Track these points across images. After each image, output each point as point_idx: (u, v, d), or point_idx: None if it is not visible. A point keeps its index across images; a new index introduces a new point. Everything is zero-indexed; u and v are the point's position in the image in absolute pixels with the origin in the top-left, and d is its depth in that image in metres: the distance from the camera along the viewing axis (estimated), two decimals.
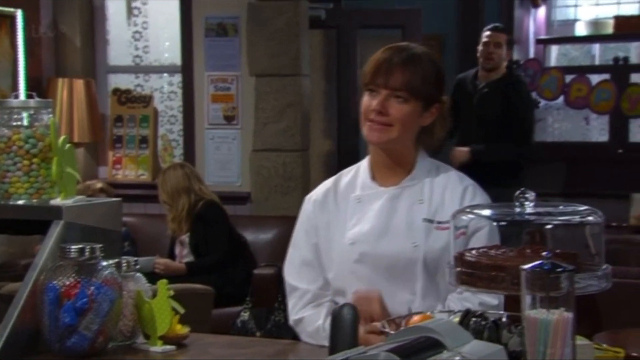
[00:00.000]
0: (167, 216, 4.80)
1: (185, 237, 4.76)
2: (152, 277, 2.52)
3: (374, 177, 2.11)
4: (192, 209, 4.71)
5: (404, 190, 2.07)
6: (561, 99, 6.23)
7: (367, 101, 2.04)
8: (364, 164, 2.15)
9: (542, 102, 6.44)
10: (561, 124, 6.74)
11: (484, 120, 5.10)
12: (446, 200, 2.05)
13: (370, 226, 2.05)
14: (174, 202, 4.73)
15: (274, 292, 4.34)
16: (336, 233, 2.09)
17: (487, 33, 5.21)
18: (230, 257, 4.73)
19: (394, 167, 2.09)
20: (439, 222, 2.03)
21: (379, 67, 2.01)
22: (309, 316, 2.09)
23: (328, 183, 2.17)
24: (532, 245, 1.66)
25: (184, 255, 4.78)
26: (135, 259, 2.00)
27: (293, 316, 2.12)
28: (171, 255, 4.84)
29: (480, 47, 5.21)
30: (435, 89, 2.05)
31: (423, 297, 2.01)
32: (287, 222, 4.06)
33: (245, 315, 4.44)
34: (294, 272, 2.13)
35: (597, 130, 6.62)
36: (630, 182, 5.98)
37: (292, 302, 2.13)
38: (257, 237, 5.02)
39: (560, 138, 6.73)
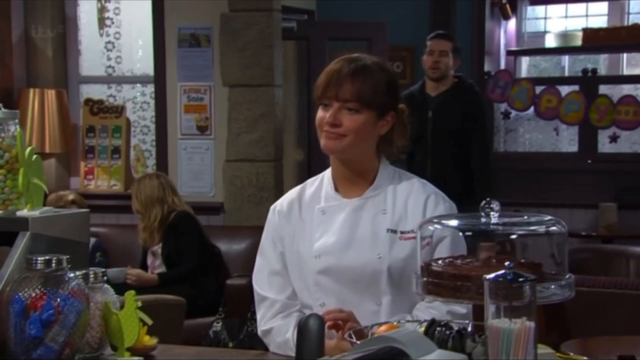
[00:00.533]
0: (138, 225, 4.78)
1: (158, 248, 4.75)
2: (124, 288, 2.50)
3: (337, 189, 2.11)
4: (164, 220, 4.70)
5: (367, 201, 2.08)
6: (531, 109, 6.30)
7: (321, 114, 2.05)
8: (327, 175, 2.15)
9: (513, 113, 6.50)
10: (532, 134, 6.82)
11: (442, 133, 4.85)
12: (409, 210, 2.06)
13: (335, 239, 2.06)
14: (147, 211, 4.71)
15: (247, 302, 4.33)
16: (301, 245, 2.10)
17: (431, 42, 4.96)
18: (202, 268, 4.72)
19: (356, 178, 2.10)
20: (402, 232, 2.04)
21: (329, 80, 2.03)
22: (277, 327, 2.10)
23: (293, 193, 2.17)
24: (498, 255, 1.68)
25: (156, 266, 4.77)
26: (105, 270, 1.99)
27: (262, 327, 2.13)
28: (143, 266, 4.82)
29: (424, 57, 4.96)
30: (387, 97, 2.06)
31: (389, 308, 2.02)
32: (261, 233, 4.08)
33: (218, 325, 4.43)
34: (262, 282, 2.14)
35: (567, 140, 6.70)
36: (599, 192, 6.05)
37: (261, 312, 2.13)
38: (230, 247, 5.01)
39: (531, 148, 6.80)
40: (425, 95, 4.92)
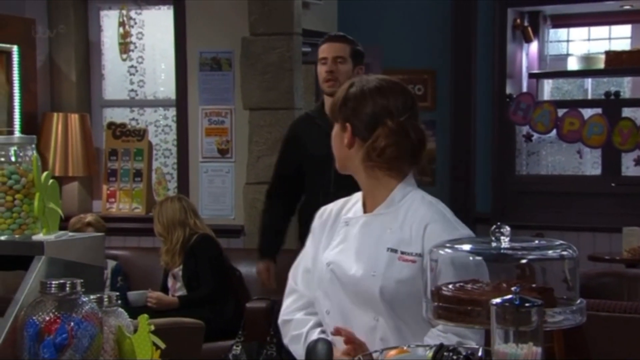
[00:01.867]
0: (160, 248, 4.81)
1: (178, 271, 4.77)
2: (145, 310, 2.51)
3: (364, 203, 2.17)
4: (185, 243, 4.72)
5: (377, 218, 2.11)
6: (554, 132, 6.26)
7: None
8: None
9: (535, 136, 6.48)
10: (554, 157, 6.78)
11: None
12: (413, 232, 2.07)
13: (344, 250, 2.12)
14: (169, 234, 4.74)
15: (266, 325, 4.33)
16: (323, 252, 2.17)
17: (323, 46, 3.84)
18: (222, 291, 4.73)
19: (376, 195, 2.13)
20: (403, 253, 2.04)
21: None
22: (297, 320, 2.17)
23: (337, 202, 2.25)
24: (508, 280, 1.68)
25: (176, 288, 4.79)
26: (126, 292, 2.00)
27: (284, 316, 2.21)
28: (164, 289, 4.84)
29: (317, 68, 3.88)
30: (343, 111, 2.13)
31: (387, 326, 2.04)
32: (281, 255, 4.12)
33: (238, 349, 4.43)
34: (297, 275, 2.24)
35: (590, 163, 6.65)
36: (623, 215, 6.00)
37: (287, 303, 2.22)
38: (250, 270, 5.01)
39: (554, 171, 6.76)
40: (324, 116, 3.60)
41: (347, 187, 2.95)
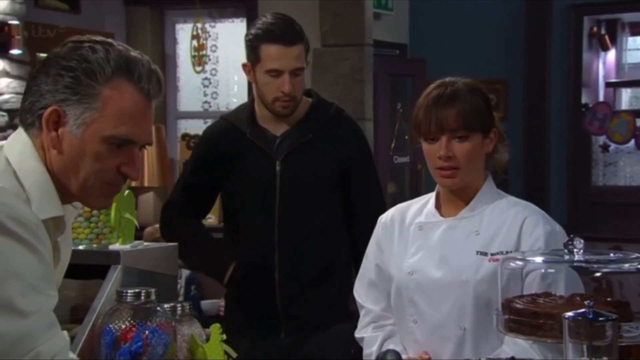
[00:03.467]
0: None
1: None
2: (218, 320, 2.54)
3: (438, 206, 2.13)
4: None
5: (462, 221, 2.07)
6: (632, 142, 6.12)
7: (427, 147, 2.06)
8: (434, 193, 2.17)
9: (612, 146, 6.34)
10: (632, 167, 6.62)
11: (302, 191, 2.75)
12: (503, 231, 2.03)
13: (427, 257, 2.07)
14: None
15: None
16: (398, 259, 2.12)
17: (272, 50, 2.64)
18: None
19: (457, 197, 2.10)
20: (493, 254, 2.00)
21: (428, 113, 2.03)
22: (367, 338, 2.18)
23: (399, 207, 2.21)
24: (582, 293, 1.65)
25: None
26: (200, 302, 2.04)
27: (356, 333, 2.23)
28: None
29: (258, 75, 2.69)
30: (488, 116, 2.07)
31: (474, 334, 2.01)
32: None
33: None
34: (361, 291, 2.23)
35: None
36: None
37: (360, 319, 2.23)
38: None
39: (632, 182, 6.60)
40: (260, 133, 2.77)
41: (293, 230, 2.64)
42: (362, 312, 2.22)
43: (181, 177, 3.02)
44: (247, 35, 2.71)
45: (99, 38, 1.56)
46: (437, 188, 2.14)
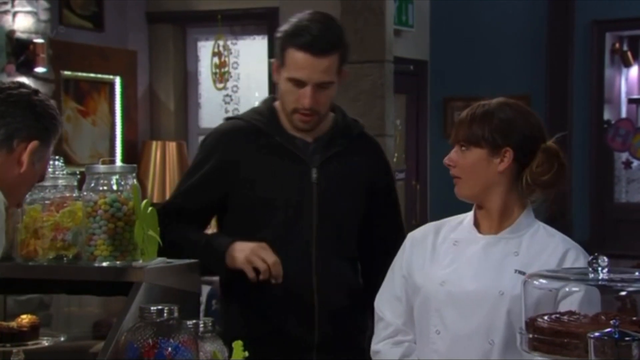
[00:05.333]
0: None
1: None
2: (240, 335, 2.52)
3: (476, 224, 2.13)
4: None
5: (501, 241, 2.08)
6: None
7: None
8: (472, 211, 2.17)
9: (635, 162, 6.31)
10: None
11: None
12: (542, 258, 2.04)
13: (462, 269, 2.07)
14: None
15: None
16: (429, 271, 2.11)
17: (298, 58, 2.35)
18: None
19: (495, 217, 2.10)
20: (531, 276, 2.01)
21: (455, 126, 2.13)
22: (384, 352, 2.16)
23: (432, 224, 2.22)
24: (607, 313, 1.63)
25: None
26: (212, 319, 2.04)
27: (373, 346, 2.20)
28: None
29: (283, 88, 2.42)
30: (499, 134, 2.06)
31: (502, 350, 2.00)
32: None
33: None
34: (383, 303, 2.20)
35: None
36: None
37: (376, 331, 2.20)
38: None
39: None
40: (291, 139, 2.48)
41: (335, 235, 2.33)
42: (380, 325, 2.19)
43: (184, 180, 2.60)
44: (278, 31, 2.42)
45: None
46: (474, 207, 2.15)
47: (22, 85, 1.95)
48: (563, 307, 1.82)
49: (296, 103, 2.37)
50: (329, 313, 2.43)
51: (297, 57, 2.33)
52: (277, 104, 2.47)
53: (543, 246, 2.06)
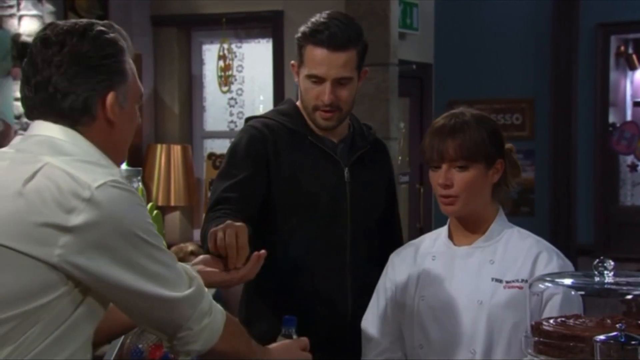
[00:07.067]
0: None
1: None
2: None
3: (450, 236, 2.17)
4: None
5: (476, 250, 2.12)
6: None
7: (431, 174, 2.13)
8: (446, 225, 2.20)
9: None
10: None
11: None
12: (518, 262, 2.08)
13: (440, 282, 2.11)
14: None
15: None
16: (411, 288, 2.15)
17: (317, 54, 2.38)
18: None
19: (470, 228, 2.14)
20: (508, 282, 2.06)
21: (432, 141, 2.09)
22: None
23: (411, 243, 2.26)
24: (613, 316, 1.63)
25: None
26: None
27: None
28: None
29: (301, 82, 2.45)
30: (492, 147, 2.09)
31: (483, 358, 2.03)
32: None
33: None
34: (369, 323, 2.22)
35: None
36: None
37: (364, 351, 2.21)
38: None
39: None
40: (318, 136, 2.51)
41: (364, 235, 2.32)
42: (369, 345, 2.20)
43: (222, 180, 2.46)
44: (297, 32, 2.44)
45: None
46: (449, 219, 2.18)
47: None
48: (548, 311, 1.87)
49: (316, 100, 2.38)
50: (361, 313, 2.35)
51: (315, 53, 2.36)
52: (298, 103, 2.48)
53: (517, 251, 2.09)
